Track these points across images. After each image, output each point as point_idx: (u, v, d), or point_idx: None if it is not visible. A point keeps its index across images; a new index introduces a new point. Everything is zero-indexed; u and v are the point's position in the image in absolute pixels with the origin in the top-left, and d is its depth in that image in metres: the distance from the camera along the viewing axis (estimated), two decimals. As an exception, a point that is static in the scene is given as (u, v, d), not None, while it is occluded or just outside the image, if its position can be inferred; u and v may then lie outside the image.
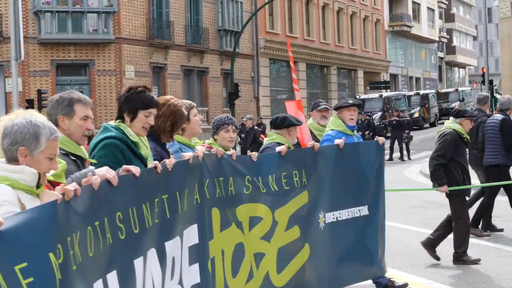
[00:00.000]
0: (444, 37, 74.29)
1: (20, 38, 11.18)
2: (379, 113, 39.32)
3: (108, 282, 3.22)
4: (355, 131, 7.49)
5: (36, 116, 3.28)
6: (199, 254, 4.32)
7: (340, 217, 5.85)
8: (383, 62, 57.30)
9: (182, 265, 4.13)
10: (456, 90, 53.02)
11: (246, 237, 4.92)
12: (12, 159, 3.23)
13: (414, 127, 37.12)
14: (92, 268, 3.08)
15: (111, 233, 3.29)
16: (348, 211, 5.95)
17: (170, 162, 4.05)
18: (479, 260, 8.63)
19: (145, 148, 4.55)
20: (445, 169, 8.58)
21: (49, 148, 3.25)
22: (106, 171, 3.46)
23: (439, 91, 54.89)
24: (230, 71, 34.05)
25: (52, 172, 3.34)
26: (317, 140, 7.41)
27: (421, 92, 50.18)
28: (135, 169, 3.65)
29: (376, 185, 6.28)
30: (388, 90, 51.44)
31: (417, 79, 66.66)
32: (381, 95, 41.95)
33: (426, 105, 46.38)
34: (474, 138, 10.55)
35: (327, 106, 8.03)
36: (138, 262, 3.54)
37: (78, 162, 4.06)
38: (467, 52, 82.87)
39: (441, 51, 74.94)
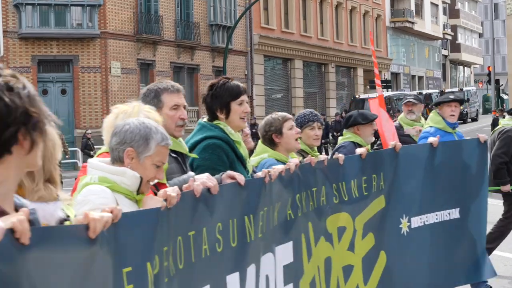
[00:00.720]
0: (448, 34, 74.27)
1: (-1, 32, 9.93)
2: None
3: None
4: (456, 128, 7.43)
5: (150, 119, 3.27)
6: (292, 273, 4.23)
7: (427, 221, 5.67)
8: (384, 60, 56.90)
9: (277, 284, 4.06)
10: (461, 89, 52.87)
11: (335, 250, 4.82)
12: (118, 160, 3.19)
13: (416, 129, 36.28)
14: (183, 282, 2.97)
15: (209, 244, 3.21)
16: (436, 214, 5.73)
17: (274, 172, 3.95)
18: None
19: (244, 148, 4.51)
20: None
21: (158, 155, 3.18)
22: (207, 179, 3.32)
23: (443, 90, 54.87)
24: (222, 68, 33.63)
25: (156, 181, 3.30)
26: (405, 135, 7.65)
27: (424, 91, 49.96)
28: (240, 177, 3.58)
29: (474, 187, 6.02)
30: (389, 90, 51.49)
31: (420, 78, 66.51)
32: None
33: (429, 106, 45.67)
34: None
35: (411, 100, 8.28)
36: (232, 278, 3.45)
37: (179, 159, 3.98)
38: (472, 50, 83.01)
39: (445, 49, 74.87)
